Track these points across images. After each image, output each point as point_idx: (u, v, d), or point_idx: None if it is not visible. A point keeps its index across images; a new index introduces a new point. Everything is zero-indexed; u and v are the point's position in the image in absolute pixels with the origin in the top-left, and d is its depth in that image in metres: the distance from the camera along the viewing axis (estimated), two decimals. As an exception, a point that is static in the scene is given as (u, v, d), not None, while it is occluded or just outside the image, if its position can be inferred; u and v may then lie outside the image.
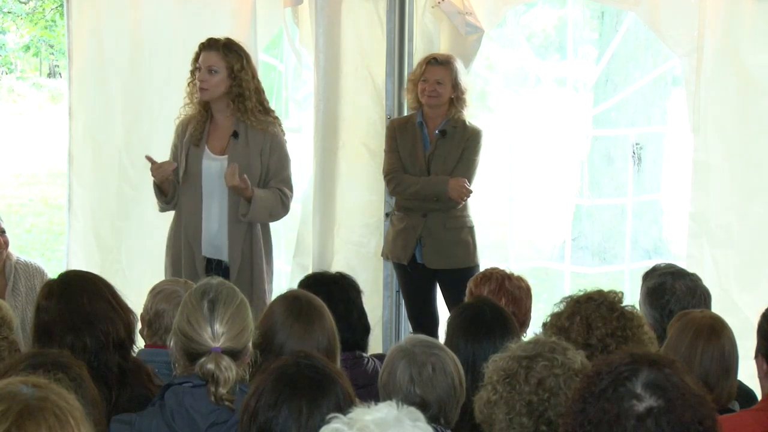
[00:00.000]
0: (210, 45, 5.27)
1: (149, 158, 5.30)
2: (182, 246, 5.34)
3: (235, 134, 5.28)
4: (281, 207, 5.36)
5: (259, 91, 5.33)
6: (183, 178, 5.32)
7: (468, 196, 5.64)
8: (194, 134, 5.30)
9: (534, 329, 4.46)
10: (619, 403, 2.15)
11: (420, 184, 5.64)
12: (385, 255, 5.92)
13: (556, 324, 3.34)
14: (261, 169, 5.30)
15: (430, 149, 5.69)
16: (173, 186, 5.35)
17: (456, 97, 5.67)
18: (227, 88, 5.24)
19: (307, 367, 2.71)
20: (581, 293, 3.42)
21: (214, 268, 5.27)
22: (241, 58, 5.25)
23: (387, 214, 5.93)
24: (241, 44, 5.33)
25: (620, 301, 3.36)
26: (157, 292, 4.03)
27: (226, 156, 5.27)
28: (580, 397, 2.21)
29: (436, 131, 5.68)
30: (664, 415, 2.13)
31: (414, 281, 5.80)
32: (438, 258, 5.67)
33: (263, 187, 5.29)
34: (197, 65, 5.27)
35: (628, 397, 2.15)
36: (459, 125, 5.67)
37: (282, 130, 5.41)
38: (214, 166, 5.28)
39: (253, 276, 5.29)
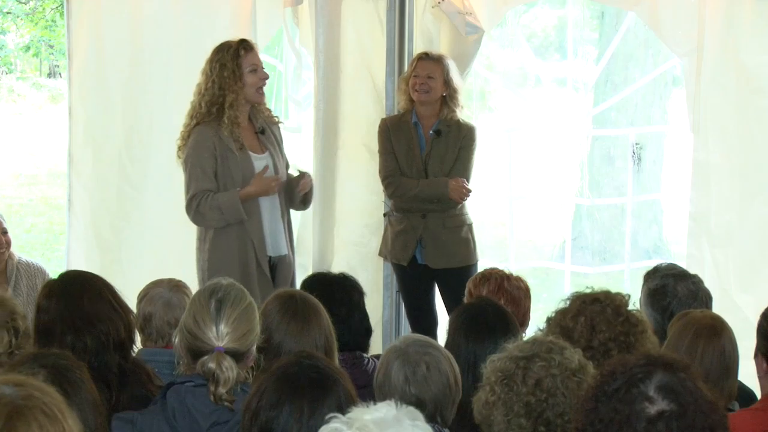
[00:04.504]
0: (252, 46, 5.26)
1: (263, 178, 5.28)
2: (247, 250, 5.24)
3: (262, 131, 5.32)
4: None
5: None
6: (232, 184, 5.20)
7: (468, 196, 5.64)
8: (235, 140, 5.20)
9: (534, 329, 4.47)
10: (630, 405, 2.14)
11: (419, 187, 5.62)
12: (384, 256, 5.92)
13: (561, 322, 3.33)
14: (284, 158, 5.46)
15: (426, 150, 5.68)
16: None
17: (448, 96, 5.65)
18: None
19: (309, 368, 2.71)
20: (588, 291, 3.40)
21: (271, 266, 5.32)
22: None
23: (385, 215, 5.93)
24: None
25: (626, 304, 3.35)
26: (142, 297, 4.04)
27: (266, 153, 5.31)
28: (593, 396, 2.20)
29: (431, 131, 5.67)
30: (676, 419, 2.12)
31: (413, 281, 5.80)
32: (440, 258, 5.67)
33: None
34: (253, 67, 5.19)
35: (640, 398, 2.14)
36: (453, 124, 5.66)
37: None
38: (262, 165, 5.28)
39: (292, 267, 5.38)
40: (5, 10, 14.47)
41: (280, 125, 5.49)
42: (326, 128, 6.07)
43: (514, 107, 11.11)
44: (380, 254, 5.96)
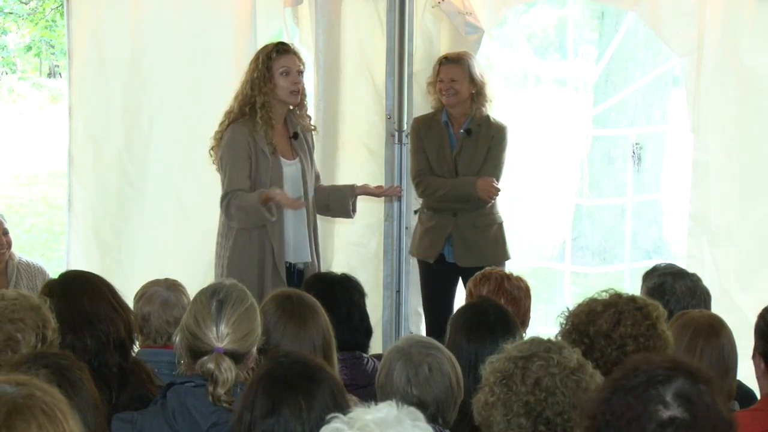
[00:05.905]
0: (288, 49, 5.23)
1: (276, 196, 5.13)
2: (265, 254, 5.22)
3: (295, 136, 5.30)
4: None
5: None
6: (260, 187, 5.17)
7: (497, 195, 5.67)
8: (268, 143, 5.18)
9: (533, 329, 4.47)
10: (645, 404, 2.11)
11: (448, 186, 5.65)
12: (412, 252, 5.93)
13: (591, 305, 3.33)
14: (314, 165, 5.44)
15: (456, 148, 5.71)
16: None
17: (476, 92, 5.68)
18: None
19: (292, 364, 2.71)
20: (627, 294, 3.41)
21: (293, 272, 5.28)
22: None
23: (415, 212, 5.95)
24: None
25: (658, 318, 3.32)
26: (139, 297, 4.03)
27: (297, 160, 5.29)
28: (611, 386, 2.18)
29: (461, 130, 5.70)
30: (686, 428, 2.09)
31: (437, 279, 5.82)
32: (469, 256, 5.68)
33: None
34: (284, 69, 5.16)
35: (655, 400, 2.11)
36: (483, 123, 5.69)
37: None
38: (291, 171, 5.27)
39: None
40: (6, 11, 14.46)
41: (312, 129, 5.45)
42: (326, 128, 6.07)
43: (514, 107, 11.10)
44: (409, 252, 5.98)
